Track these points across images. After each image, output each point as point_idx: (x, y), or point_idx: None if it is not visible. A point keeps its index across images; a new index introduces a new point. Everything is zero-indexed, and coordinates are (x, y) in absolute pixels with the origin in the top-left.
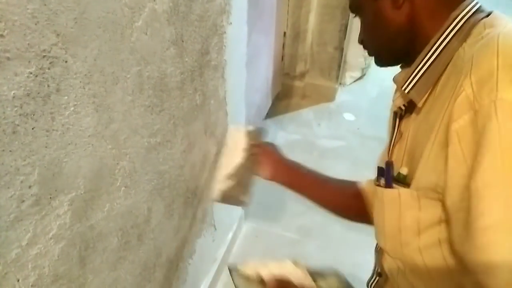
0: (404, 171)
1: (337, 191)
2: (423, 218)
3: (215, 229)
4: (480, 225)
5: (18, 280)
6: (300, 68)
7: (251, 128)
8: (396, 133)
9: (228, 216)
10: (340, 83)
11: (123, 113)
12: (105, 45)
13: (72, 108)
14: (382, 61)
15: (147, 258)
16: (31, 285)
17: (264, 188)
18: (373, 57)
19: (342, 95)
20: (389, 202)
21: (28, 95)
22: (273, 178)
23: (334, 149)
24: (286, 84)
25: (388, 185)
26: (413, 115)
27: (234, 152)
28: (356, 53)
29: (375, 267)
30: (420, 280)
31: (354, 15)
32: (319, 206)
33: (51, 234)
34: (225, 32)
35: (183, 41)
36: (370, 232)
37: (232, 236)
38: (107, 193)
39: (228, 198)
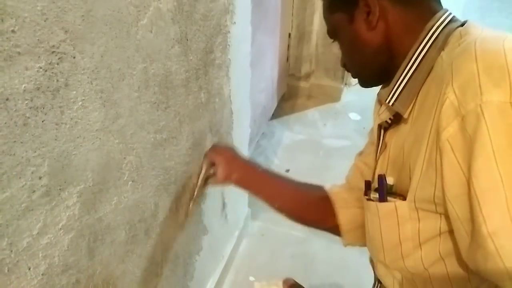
0: (390, 181)
1: (298, 193)
2: (423, 229)
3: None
4: (485, 232)
5: (29, 269)
6: (305, 69)
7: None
8: (381, 144)
9: (234, 214)
10: (345, 84)
11: (130, 109)
12: (111, 42)
13: (80, 103)
14: (365, 82)
15: (155, 252)
16: (42, 274)
17: None
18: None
19: (348, 95)
20: (386, 216)
21: (38, 89)
22: (227, 177)
23: (340, 148)
24: (292, 85)
25: (382, 199)
26: (398, 126)
27: None
28: None
29: (375, 275)
30: None
31: (332, 40)
32: (276, 209)
33: (60, 224)
34: (229, 32)
35: (187, 40)
36: None
37: (239, 234)
38: (114, 187)
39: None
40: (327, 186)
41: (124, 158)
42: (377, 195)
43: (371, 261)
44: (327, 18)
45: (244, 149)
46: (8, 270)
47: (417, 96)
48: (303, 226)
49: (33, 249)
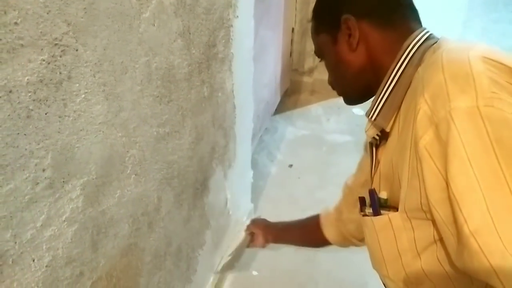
0: (383, 195)
1: (303, 230)
2: (418, 238)
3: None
4: (467, 231)
5: (33, 260)
6: (308, 64)
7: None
8: (375, 162)
9: (238, 210)
10: None
11: (132, 102)
12: (114, 35)
13: (83, 96)
14: (350, 100)
15: (158, 246)
16: (46, 266)
17: (272, 181)
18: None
19: None
20: (382, 229)
21: (41, 81)
22: (266, 240)
23: (343, 144)
24: (295, 80)
25: (376, 213)
26: (386, 141)
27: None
28: None
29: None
30: None
31: (319, 60)
32: (296, 246)
33: (64, 217)
34: (231, 26)
35: (190, 33)
36: None
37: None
38: (118, 180)
39: (227, 268)
40: (321, 212)
41: (127, 151)
42: (371, 210)
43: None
44: (314, 38)
45: (247, 144)
46: (12, 262)
47: (399, 111)
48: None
49: (37, 241)
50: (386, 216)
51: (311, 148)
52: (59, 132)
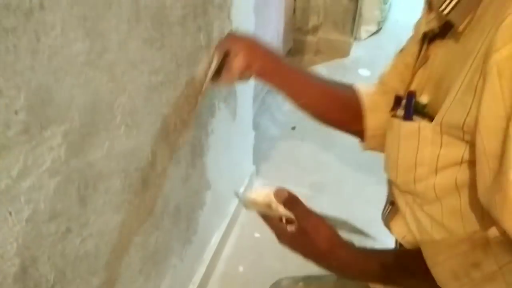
0: (424, 99)
1: (326, 90)
2: (443, 155)
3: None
4: (511, 178)
5: (10, 214)
6: (312, 22)
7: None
8: (421, 57)
9: (240, 171)
10: (355, 38)
11: (119, 43)
12: None
13: (59, 29)
14: None
15: (154, 205)
16: (26, 220)
17: (275, 143)
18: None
19: (357, 50)
20: (407, 136)
21: (7, 8)
22: (248, 67)
23: None
24: (298, 40)
25: (407, 117)
26: (447, 39)
27: None
28: (372, 6)
29: (388, 196)
30: (428, 217)
31: None
32: (300, 106)
33: (44, 167)
34: None
35: None
36: (384, 188)
37: (243, 191)
38: (105, 130)
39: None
40: (359, 86)
41: (115, 99)
42: (403, 113)
43: (388, 181)
44: None
45: (248, 102)
46: None
47: (476, 8)
48: (326, 124)
49: (13, 192)
50: (417, 124)
51: None
52: (32, 69)
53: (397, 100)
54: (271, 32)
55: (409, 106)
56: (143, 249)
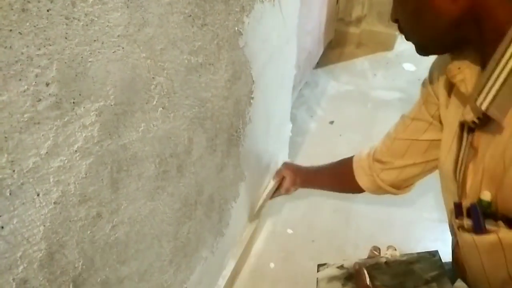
0: (486, 196)
1: (333, 174)
2: None
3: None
4: None
5: (38, 195)
6: (356, 12)
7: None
8: (467, 148)
9: (275, 164)
10: None
11: (159, 17)
12: None
13: None
14: (426, 51)
15: (188, 193)
16: (54, 202)
17: (313, 139)
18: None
19: (402, 43)
20: (488, 250)
21: None
22: (294, 183)
23: (390, 101)
24: (340, 31)
25: (478, 229)
26: (491, 128)
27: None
28: None
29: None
30: None
31: None
32: (326, 190)
33: (76, 146)
34: None
35: None
36: None
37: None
38: (142, 111)
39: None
40: (356, 155)
41: (153, 78)
42: (470, 222)
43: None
44: None
45: (287, 92)
46: (10, 193)
47: None
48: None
49: (42, 172)
50: (495, 236)
51: (355, 105)
52: (66, 37)
53: (458, 208)
54: (313, 22)
55: (476, 218)
56: (174, 239)
